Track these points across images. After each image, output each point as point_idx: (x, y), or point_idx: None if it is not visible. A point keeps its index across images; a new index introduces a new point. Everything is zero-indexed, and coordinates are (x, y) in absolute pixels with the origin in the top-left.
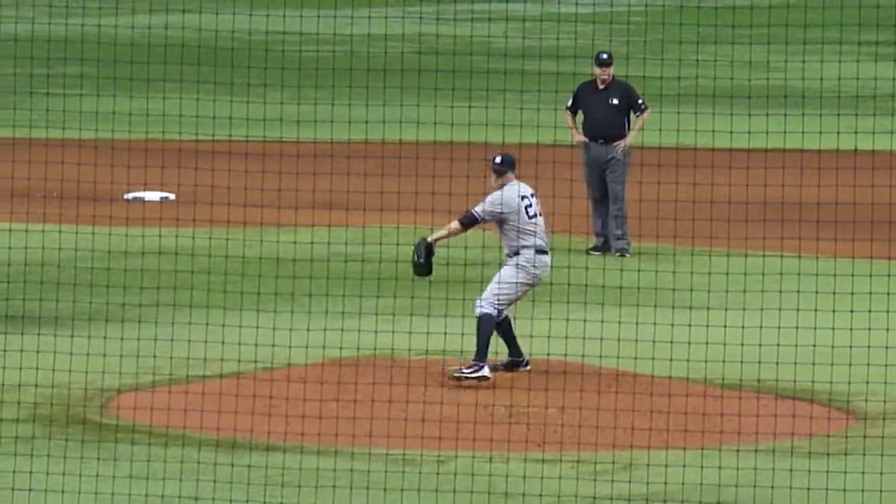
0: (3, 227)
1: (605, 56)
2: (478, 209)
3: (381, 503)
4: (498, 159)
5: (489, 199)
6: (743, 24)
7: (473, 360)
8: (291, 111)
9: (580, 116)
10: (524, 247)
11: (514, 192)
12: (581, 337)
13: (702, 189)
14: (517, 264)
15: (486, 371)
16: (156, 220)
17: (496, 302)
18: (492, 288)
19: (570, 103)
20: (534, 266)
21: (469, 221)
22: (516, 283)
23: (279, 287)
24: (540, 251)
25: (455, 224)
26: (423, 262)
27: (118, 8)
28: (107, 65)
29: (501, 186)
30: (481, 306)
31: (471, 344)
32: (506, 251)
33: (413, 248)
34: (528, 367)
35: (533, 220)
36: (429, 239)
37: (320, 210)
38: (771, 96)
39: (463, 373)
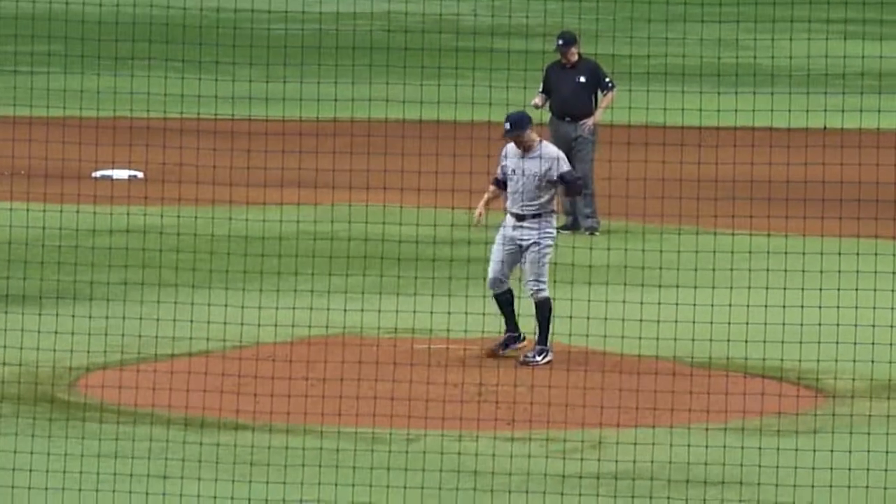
0: None
1: (560, 42)
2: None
3: (351, 481)
4: (516, 116)
5: (561, 156)
6: (712, 1)
7: (540, 346)
8: (260, 89)
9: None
10: (549, 211)
11: None
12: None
13: (671, 167)
14: (543, 234)
15: (551, 356)
16: (124, 198)
17: (546, 280)
18: (540, 267)
19: (541, 88)
20: (553, 228)
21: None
22: (549, 254)
23: (248, 265)
24: (554, 212)
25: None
26: None
27: None
28: (75, 42)
29: (535, 143)
30: (541, 289)
31: (439, 322)
32: (529, 212)
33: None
34: (525, 343)
35: None
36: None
37: (289, 188)
38: (740, 74)
39: (535, 359)
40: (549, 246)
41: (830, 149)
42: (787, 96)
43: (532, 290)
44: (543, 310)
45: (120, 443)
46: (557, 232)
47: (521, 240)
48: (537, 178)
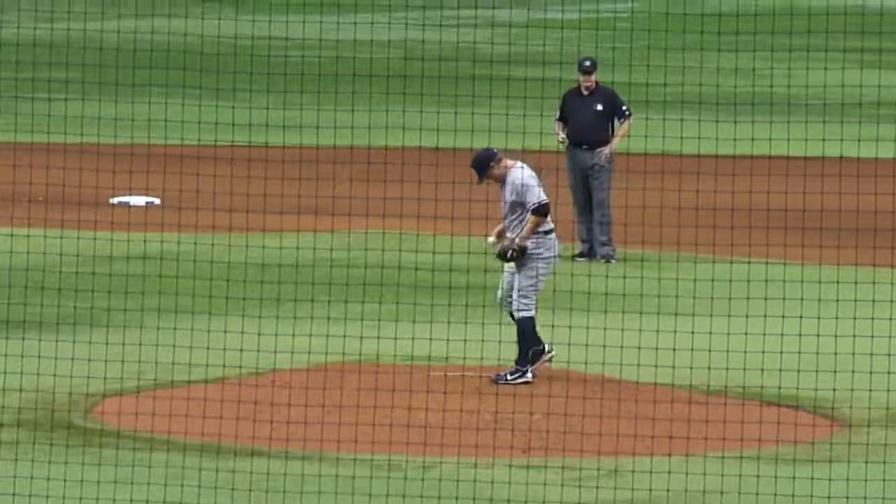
0: None
1: (587, 64)
2: (541, 195)
3: None
4: (493, 150)
5: (530, 182)
6: (729, 31)
7: (516, 366)
8: (277, 116)
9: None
10: (538, 231)
11: (532, 171)
12: (566, 343)
13: (687, 196)
14: (534, 255)
15: (528, 376)
16: (141, 224)
17: (531, 301)
18: (525, 287)
19: (558, 115)
20: (547, 249)
21: (544, 210)
22: (543, 274)
23: (264, 292)
24: (551, 231)
25: (532, 221)
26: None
27: (104, 13)
28: (92, 69)
29: (507, 171)
30: (521, 308)
31: (456, 349)
32: (511, 236)
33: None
34: (551, 354)
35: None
36: (518, 242)
37: (306, 215)
38: (757, 103)
39: (506, 378)
40: (535, 268)
41: (847, 178)
42: (804, 125)
43: (514, 307)
44: (521, 330)
45: (136, 469)
46: (555, 258)
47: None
48: (508, 205)
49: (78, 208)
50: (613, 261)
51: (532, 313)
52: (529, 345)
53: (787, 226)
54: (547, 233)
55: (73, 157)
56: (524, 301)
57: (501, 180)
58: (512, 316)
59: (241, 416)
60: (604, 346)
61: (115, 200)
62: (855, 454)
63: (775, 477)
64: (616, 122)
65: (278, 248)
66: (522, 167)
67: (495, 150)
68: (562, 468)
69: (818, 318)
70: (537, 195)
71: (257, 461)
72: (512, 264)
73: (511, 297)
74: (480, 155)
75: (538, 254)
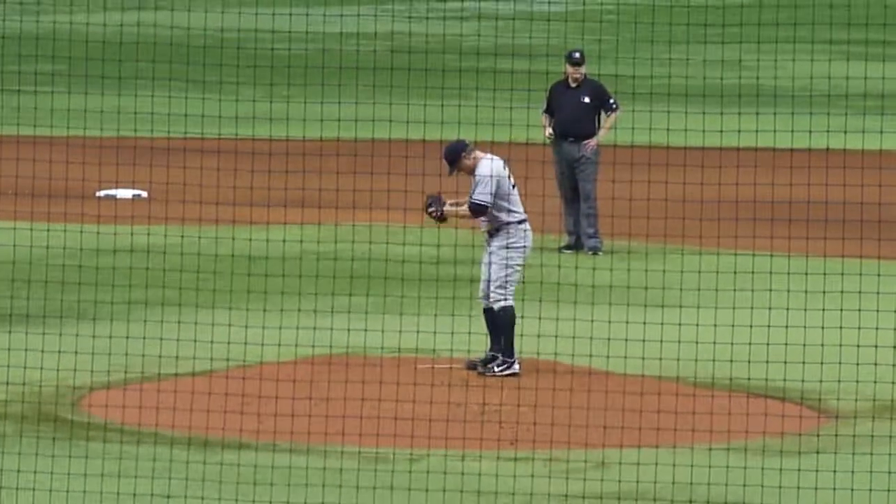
0: None
1: (577, 55)
2: (485, 195)
3: (354, 501)
4: (465, 141)
5: (486, 177)
6: (715, 22)
7: (502, 357)
8: (264, 109)
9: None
10: (509, 222)
11: (498, 165)
12: (553, 335)
13: (674, 188)
14: (506, 245)
15: (516, 367)
16: (128, 217)
17: (507, 291)
18: (503, 277)
19: (545, 107)
20: (520, 239)
21: (479, 210)
22: (518, 263)
23: (251, 285)
24: (523, 221)
25: (466, 209)
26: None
27: (90, 5)
28: (79, 62)
29: (477, 163)
30: (500, 298)
31: (443, 341)
32: (484, 229)
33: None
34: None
35: (514, 191)
36: (445, 209)
37: (293, 208)
38: (743, 95)
39: (492, 370)
40: (508, 258)
41: (833, 169)
42: (790, 117)
43: (492, 298)
44: (502, 320)
45: (123, 462)
46: (527, 248)
47: (488, 253)
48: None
49: (64, 201)
50: (600, 253)
51: (510, 303)
52: (510, 334)
53: (774, 217)
54: (519, 222)
55: (59, 150)
56: (501, 291)
57: (471, 172)
58: (491, 309)
59: (229, 408)
60: (591, 338)
61: (102, 193)
62: (842, 446)
63: (762, 468)
64: (603, 114)
65: (265, 240)
66: (492, 159)
67: (467, 142)
68: (549, 460)
69: (805, 309)
70: (480, 193)
71: (245, 454)
72: (487, 256)
73: (489, 288)
74: (452, 146)
75: (510, 243)
